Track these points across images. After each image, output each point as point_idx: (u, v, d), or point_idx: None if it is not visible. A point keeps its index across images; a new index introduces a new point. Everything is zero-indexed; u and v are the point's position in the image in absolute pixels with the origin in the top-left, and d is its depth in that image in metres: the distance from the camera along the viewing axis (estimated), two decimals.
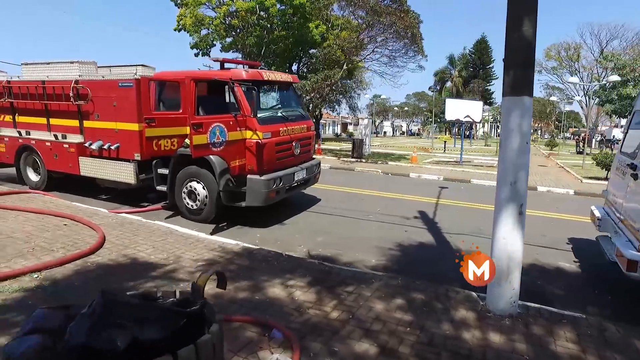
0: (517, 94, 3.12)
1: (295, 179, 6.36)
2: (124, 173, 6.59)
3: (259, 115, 5.76)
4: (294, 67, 22.46)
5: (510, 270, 3.28)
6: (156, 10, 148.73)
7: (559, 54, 35.81)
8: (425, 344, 2.84)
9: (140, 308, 1.23)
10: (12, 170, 8.51)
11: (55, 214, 5.67)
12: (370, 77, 41.66)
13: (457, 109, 16.20)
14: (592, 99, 28.93)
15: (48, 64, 7.46)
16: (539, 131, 64.30)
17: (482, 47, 56.12)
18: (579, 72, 36.00)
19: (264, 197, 5.73)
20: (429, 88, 59.15)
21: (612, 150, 21.01)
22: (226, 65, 6.33)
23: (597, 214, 4.65)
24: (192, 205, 6.05)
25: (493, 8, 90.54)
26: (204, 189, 5.91)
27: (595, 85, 26.86)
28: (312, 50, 20.55)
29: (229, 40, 18.65)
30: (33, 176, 7.97)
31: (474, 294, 3.69)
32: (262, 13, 16.62)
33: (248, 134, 5.72)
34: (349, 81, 26.10)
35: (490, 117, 51.24)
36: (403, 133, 67.14)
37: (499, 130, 57.75)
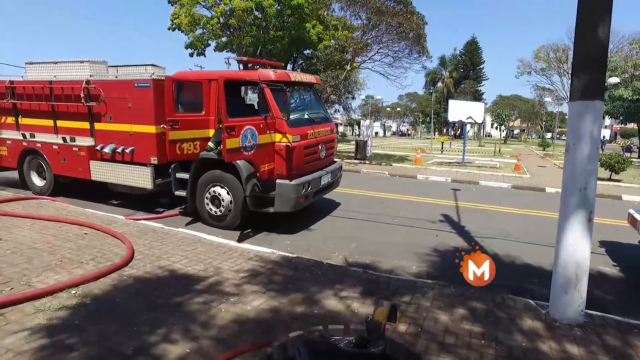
0: (589, 98, 3.03)
1: (322, 183, 6.18)
2: (139, 177, 6.30)
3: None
4: (289, 68, 22.22)
5: (578, 278, 3.20)
6: (148, 8, 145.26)
7: (547, 55, 36.37)
8: (506, 357, 2.73)
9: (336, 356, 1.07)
10: (12, 174, 8.10)
11: (74, 222, 5.36)
12: (365, 77, 41.71)
13: (460, 110, 16.27)
14: None
15: (55, 63, 7.10)
16: (526, 131, 65.56)
17: (472, 49, 56.72)
18: (568, 73, 36.71)
19: (294, 203, 5.53)
20: (427, 90, 59.43)
21: (602, 150, 21.46)
22: (232, 65, 6.13)
23: (639, 217, 4.63)
24: (215, 211, 5.80)
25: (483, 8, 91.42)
26: (229, 194, 5.68)
27: None
28: (307, 52, 20.36)
29: (224, 39, 18.34)
30: (38, 181, 7.56)
31: (532, 301, 3.62)
32: (256, 13, 16.34)
33: (277, 137, 5.52)
34: (344, 82, 25.97)
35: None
36: (394, 133, 67.45)
37: (488, 131, 59.07)
